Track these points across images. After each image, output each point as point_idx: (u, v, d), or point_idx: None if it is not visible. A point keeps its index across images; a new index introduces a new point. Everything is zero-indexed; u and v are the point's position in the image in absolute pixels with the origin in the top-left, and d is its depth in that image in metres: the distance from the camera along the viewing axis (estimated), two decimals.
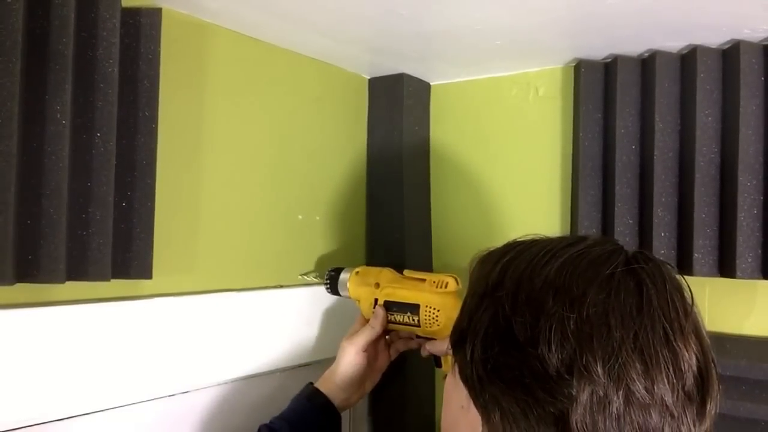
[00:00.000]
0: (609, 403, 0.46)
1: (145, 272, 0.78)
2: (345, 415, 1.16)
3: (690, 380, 0.48)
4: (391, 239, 1.19)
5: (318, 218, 1.12)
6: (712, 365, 0.51)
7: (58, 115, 0.68)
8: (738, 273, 0.90)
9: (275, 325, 1.00)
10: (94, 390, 0.77)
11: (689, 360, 0.48)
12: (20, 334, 0.70)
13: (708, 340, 0.52)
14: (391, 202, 1.19)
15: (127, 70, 0.76)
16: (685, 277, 0.54)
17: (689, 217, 0.95)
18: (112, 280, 0.73)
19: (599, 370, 0.46)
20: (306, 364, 1.07)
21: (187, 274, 0.89)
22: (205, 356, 0.89)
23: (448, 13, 0.87)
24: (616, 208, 1.00)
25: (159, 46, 0.78)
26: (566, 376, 0.47)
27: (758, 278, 0.91)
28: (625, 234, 1.00)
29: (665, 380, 0.47)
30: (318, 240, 1.12)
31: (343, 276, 1.03)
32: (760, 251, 0.91)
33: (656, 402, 0.47)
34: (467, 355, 0.53)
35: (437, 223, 1.26)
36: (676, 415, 0.47)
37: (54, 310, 0.73)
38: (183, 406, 0.89)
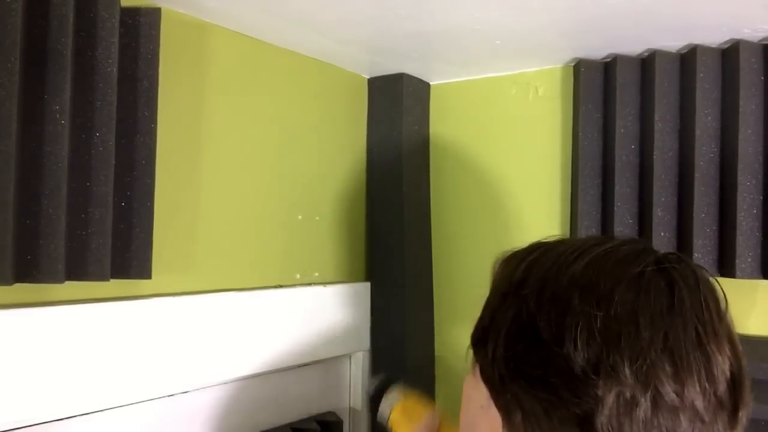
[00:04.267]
0: (636, 405, 0.44)
1: (145, 272, 0.78)
2: (345, 416, 1.16)
3: (722, 386, 0.46)
4: (391, 239, 1.19)
5: (318, 218, 1.12)
6: (744, 372, 0.49)
7: (57, 115, 0.68)
8: (738, 273, 0.90)
9: (275, 325, 1.00)
10: (94, 390, 0.76)
11: (722, 365, 0.47)
12: (20, 334, 0.70)
13: (741, 347, 0.50)
14: (391, 201, 1.19)
15: (126, 69, 0.76)
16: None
17: (689, 217, 0.95)
18: (112, 280, 0.73)
19: (626, 370, 0.45)
20: (306, 364, 1.07)
21: (186, 274, 0.89)
22: (204, 356, 0.89)
23: (447, 13, 0.87)
24: (615, 208, 1.00)
25: (158, 46, 0.78)
26: (592, 376, 0.45)
27: (758, 278, 0.91)
28: (624, 234, 1.00)
29: (696, 384, 0.45)
30: (318, 240, 1.12)
31: (386, 405, 0.97)
32: (759, 251, 0.91)
33: (686, 407, 0.45)
34: (489, 354, 0.51)
35: (437, 223, 1.26)
36: (706, 421, 0.45)
37: (53, 310, 0.73)
38: (183, 406, 0.89)
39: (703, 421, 0.45)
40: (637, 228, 1.01)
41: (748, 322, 0.97)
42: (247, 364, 0.96)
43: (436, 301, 1.25)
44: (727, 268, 0.93)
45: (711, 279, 0.51)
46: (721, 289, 0.51)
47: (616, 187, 1.00)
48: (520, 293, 0.51)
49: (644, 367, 0.45)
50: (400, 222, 1.19)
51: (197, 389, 0.90)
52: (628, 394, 0.44)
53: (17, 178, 0.65)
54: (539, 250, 0.54)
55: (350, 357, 1.19)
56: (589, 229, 1.04)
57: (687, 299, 0.47)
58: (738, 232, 0.90)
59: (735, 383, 0.47)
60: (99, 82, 0.72)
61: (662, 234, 0.97)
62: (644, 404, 0.44)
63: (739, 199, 0.91)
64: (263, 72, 1.01)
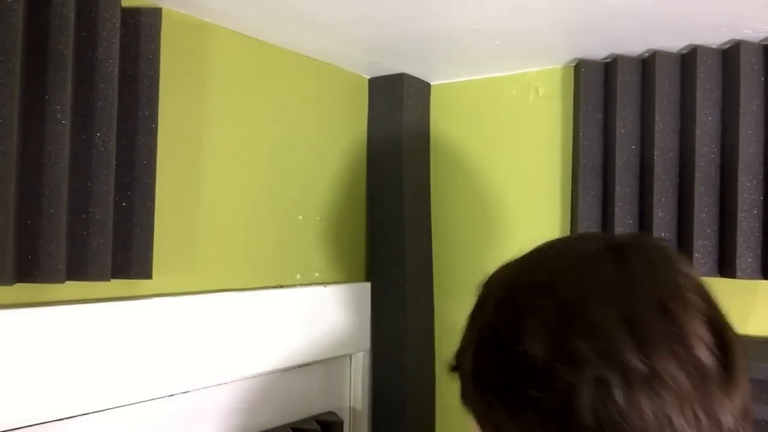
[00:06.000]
0: (611, 386, 0.42)
1: (145, 272, 0.78)
2: (345, 416, 1.16)
3: (704, 351, 0.43)
4: (391, 239, 1.19)
5: (318, 218, 1.12)
6: (730, 331, 0.46)
7: (58, 115, 0.68)
8: (738, 273, 0.90)
9: (275, 325, 1.00)
10: (94, 390, 0.76)
11: (697, 328, 0.43)
12: (20, 334, 0.70)
13: (719, 305, 0.47)
14: (391, 201, 1.19)
15: (127, 69, 0.76)
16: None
17: (689, 217, 0.95)
18: (112, 280, 0.73)
19: (586, 351, 0.42)
20: (306, 364, 1.07)
21: (187, 274, 0.89)
22: (204, 356, 0.89)
23: (448, 13, 0.87)
24: (616, 208, 1.00)
25: (159, 46, 0.78)
26: (557, 366, 0.43)
27: (758, 278, 0.91)
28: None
29: (669, 354, 0.42)
30: (318, 240, 1.12)
31: None
32: (760, 251, 0.91)
33: (663, 380, 0.42)
34: (462, 376, 0.51)
35: (437, 223, 1.26)
36: (694, 392, 0.42)
37: (54, 310, 0.73)
38: (183, 406, 0.89)
39: (690, 393, 0.42)
40: (637, 228, 1.01)
41: (748, 323, 0.97)
42: (247, 364, 0.96)
43: (436, 301, 1.25)
44: (727, 268, 0.93)
45: (667, 249, 0.50)
46: (685, 260, 0.49)
47: (617, 187, 1.00)
48: (482, 309, 0.52)
49: (603, 344, 0.43)
50: (400, 222, 1.19)
51: (197, 389, 0.90)
52: (599, 375, 0.42)
53: (18, 178, 0.65)
54: (500, 267, 0.55)
55: (350, 357, 1.19)
56: (589, 229, 1.04)
57: (641, 269, 0.46)
58: (738, 233, 0.90)
59: (722, 345, 0.44)
60: (100, 82, 0.72)
61: (662, 234, 0.97)
62: (618, 383, 0.42)
63: (740, 199, 0.91)
64: (264, 72, 1.01)
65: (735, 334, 0.46)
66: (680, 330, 0.43)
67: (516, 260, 0.53)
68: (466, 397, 0.51)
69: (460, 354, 0.52)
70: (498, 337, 0.48)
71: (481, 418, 0.49)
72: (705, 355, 0.43)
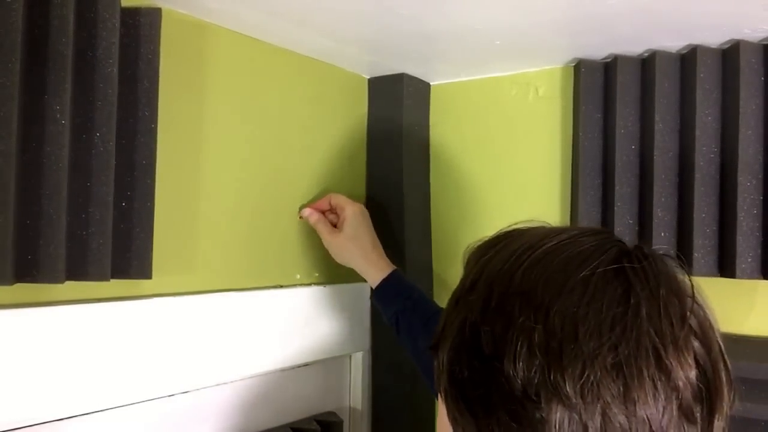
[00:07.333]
0: (586, 429, 0.41)
1: (145, 272, 0.77)
2: (345, 416, 1.16)
3: (687, 397, 0.42)
4: (390, 239, 1.19)
5: None
6: (722, 369, 0.44)
7: (58, 115, 0.68)
8: (738, 273, 0.90)
9: (275, 325, 1.00)
10: (94, 390, 0.76)
11: (685, 375, 0.42)
12: (20, 334, 0.70)
13: (717, 341, 0.45)
14: (391, 202, 1.19)
15: (127, 70, 0.76)
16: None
17: (689, 217, 0.95)
18: (112, 280, 0.73)
19: (569, 390, 0.40)
20: (306, 364, 1.07)
21: (186, 274, 0.89)
22: (204, 357, 0.89)
23: (448, 12, 0.87)
24: (616, 208, 1.00)
25: (158, 46, 0.78)
26: (533, 397, 0.41)
27: (758, 278, 0.91)
28: (624, 234, 1.00)
29: (652, 402, 0.41)
30: (318, 240, 1.12)
31: None
32: (760, 251, 0.91)
33: (641, 428, 0.41)
34: (439, 364, 0.49)
35: (437, 224, 1.26)
36: None
37: (53, 310, 0.73)
38: (182, 407, 0.89)
39: None
40: (637, 228, 1.01)
41: (748, 322, 0.97)
42: (247, 364, 0.96)
43: (435, 300, 1.25)
44: (727, 268, 0.93)
45: (677, 276, 0.47)
46: (691, 282, 0.47)
47: (616, 187, 1.00)
48: (469, 299, 0.48)
49: (589, 385, 0.40)
50: (400, 222, 1.19)
51: (197, 389, 0.90)
52: (576, 417, 0.41)
53: (17, 178, 0.65)
54: (496, 246, 0.51)
55: (350, 357, 1.19)
56: None
57: (644, 307, 0.43)
58: (738, 232, 0.90)
59: (708, 388, 0.43)
60: (99, 82, 0.72)
61: (662, 234, 0.97)
62: (593, 427, 0.41)
63: (739, 199, 0.91)
64: (263, 72, 1.01)
65: (721, 369, 0.45)
66: (668, 377, 0.42)
67: (514, 246, 0.49)
68: (441, 386, 0.49)
69: (439, 338, 0.49)
70: (479, 345, 0.45)
71: (451, 418, 0.48)
72: (688, 400, 0.42)
